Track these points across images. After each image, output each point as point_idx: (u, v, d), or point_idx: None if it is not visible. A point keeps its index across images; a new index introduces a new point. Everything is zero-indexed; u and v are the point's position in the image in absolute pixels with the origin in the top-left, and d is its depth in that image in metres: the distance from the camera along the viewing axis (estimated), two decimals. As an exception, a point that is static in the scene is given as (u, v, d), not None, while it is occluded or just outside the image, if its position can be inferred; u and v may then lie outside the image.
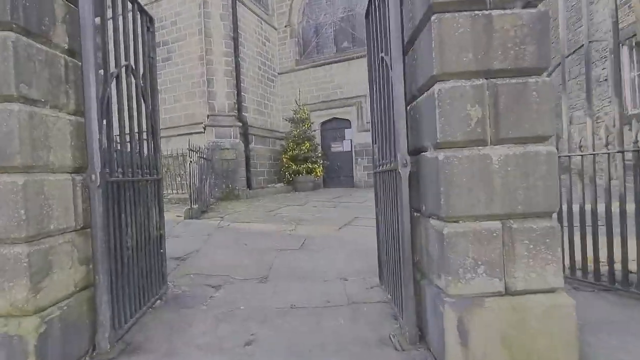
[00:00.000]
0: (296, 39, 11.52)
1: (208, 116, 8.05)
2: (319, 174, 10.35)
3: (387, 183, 2.15)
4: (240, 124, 8.45)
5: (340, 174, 11.09)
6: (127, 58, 2.22)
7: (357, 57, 10.55)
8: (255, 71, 10.36)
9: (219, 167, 7.87)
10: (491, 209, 1.50)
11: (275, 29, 11.65)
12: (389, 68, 1.93)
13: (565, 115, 2.48)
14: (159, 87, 8.62)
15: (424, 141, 1.73)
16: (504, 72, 1.52)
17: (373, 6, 2.37)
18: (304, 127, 10.30)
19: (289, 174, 10.12)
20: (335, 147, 11.15)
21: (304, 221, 5.22)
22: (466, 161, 1.51)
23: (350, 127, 10.86)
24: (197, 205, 5.78)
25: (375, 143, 2.65)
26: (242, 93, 9.44)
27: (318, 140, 11.08)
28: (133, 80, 2.31)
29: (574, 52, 7.70)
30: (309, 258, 3.46)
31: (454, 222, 1.53)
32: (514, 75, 1.52)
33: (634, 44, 6.42)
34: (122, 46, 2.15)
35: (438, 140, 1.52)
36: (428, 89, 1.65)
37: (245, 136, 9.26)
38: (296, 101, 10.82)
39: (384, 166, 2.20)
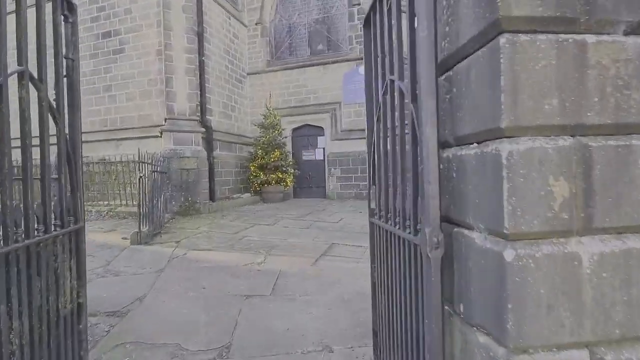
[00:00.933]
0: (267, 39, 10.78)
1: (166, 120, 7.12)
2: (289, 184, 9.71)
3: (396, 252, 1.61)
4: (204, 130, 7.59)
5: (312, 184, 10.52)
6: (20, 61, 1.48)
7: (333, 62, 10.04)
8: (221, 70, 9.50)
9: (178, 179, 6.98)
10: (578, 334, 1.00)
11: (245, 26, 10.83)
12: (412, 100, 1.39)
13: None
14: (108, 82, 7.57)
15: (468, 216, 1.20)
16: (599, 129, 1.02)
17: (379, 12, 1.81)
18: (274, 134, 9.60)
19: (256, 184, 9.36)
20: (307, 156, 10.57)
21: (275, 248, 4.58)
22: (546, 263, 0.99)
23: (323, 135, 10.32)
24: (147, 228, 4.92)
25: (375, 184, 2.10)
26: (206, 94, 8.55)
27: (289, 147, 10.42)
28: (34, 93, 1.57)
29: None
30: (283, 311, 2.84)
31: (523, 352, 1.00)
32: (612, 134, 1.03)
33: None
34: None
35: (507, 230, 0.98)
36: (482, 144, 1.12)
37: (208, 142, 8.39)
38: (266, 105, 10.09)
39: (392, 225, 1.65)
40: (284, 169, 9.45)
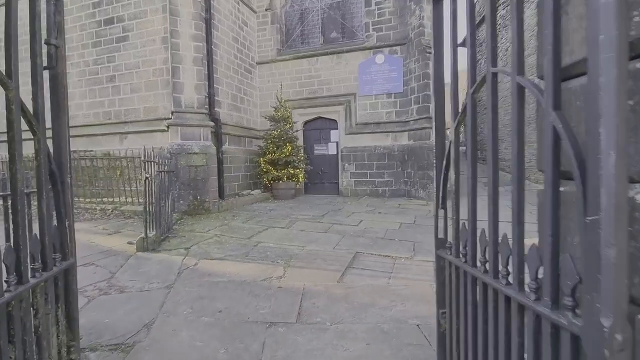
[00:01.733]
0: (278, 26, 10.19)
1: (173, 113, 6.66)
2: (300, 180, 9.25)
3: (504, 318, 1.15)
4: (212, 124, 7.12)
5: (324, 180, 10.06)
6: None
7: (348, 51, 9.45)
8: (230, 59, 8.98)
9: (186, 176, 6.56)
10: None
11: (255, 12, 10.24)
12: (555, 107, 0.92)
13: None
14: (111, 72, 7.10)
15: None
16: None
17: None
18: (285, 127, 9.11)
19: (267, 180, 8.93)
20: (320, 150, 10.08)
21: (294, 258, 4.16)
22: None
23: (336, 129, 9.81)
24: (154, 233, 4.52)
25: (446, 208, 1.65)
26: (214, 85, 8.07)
27: (301, 141, 9.94)
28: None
29: None
30: (313, 346, 2.42)
31: None
32: None
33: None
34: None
35: None
36: None
37: (217, 136, 7.94)
38: (277, 97, 9.58)
39: (498, 280, 1.20)
40: (296, 164, 8.98)
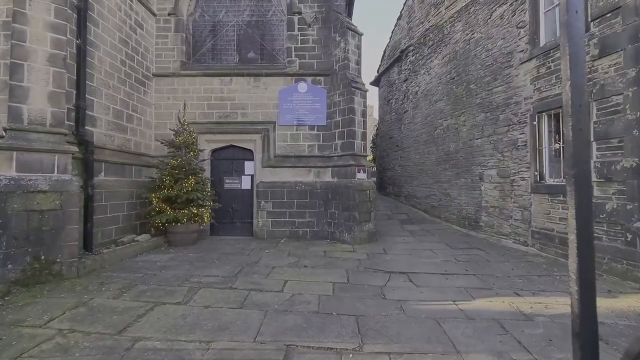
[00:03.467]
0: (184, 35, 8.60)
1: (6, 130, 4.40)
2: (206, 220, 7.52)
3: None
4: (75, 148, 5.02)
5: (235, 219, 8.51)
6: None
7: (268, 75, 8.43)
8: (115, 66, 6.96)
9: (21, 226, 4.30)
10: None
11: (154, 14, 8.46)
12: None
13: None
14: None
15: None
16: None
17: None
18: (188, 155, 7.38)
19: (160, 222, 6.94)
20: (231, 183, 8.56)
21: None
22: None
23: (252, 160, 8.50)
24: None
25: None
26: (86, 95, 5.98)
27: (208, 173, 8.27)
28: None
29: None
30: None
31: None
32: None
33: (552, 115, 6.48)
34: None
35: None
36: None
37: (87, 164, 5.78)
38: (179, 117, 7.82)
39: None
40: (201, 201, 7.26)
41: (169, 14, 8.51)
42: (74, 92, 5.75)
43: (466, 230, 8.85)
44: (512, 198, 7.36)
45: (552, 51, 6.34)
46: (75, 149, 4.90)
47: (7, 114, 4.40)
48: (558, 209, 6.24)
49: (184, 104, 8.19)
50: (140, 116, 7.85)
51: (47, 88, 4.65)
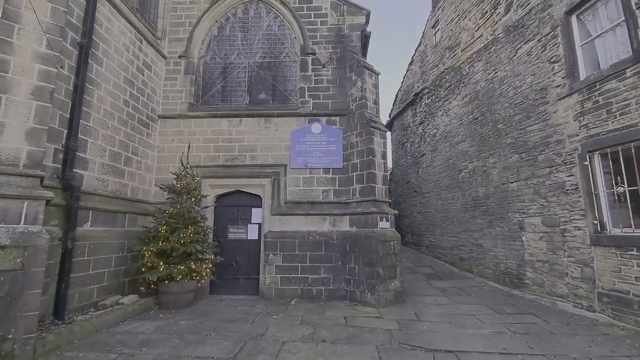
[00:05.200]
0: (193, 77, 8.29)
1: (-33, 172, 3.68)
2: (205, 276, 6.47)
3: None
4: (49, 194, 4.19)
5: (239, 274, 7.42)
6: None
7: (279, 115, 7.90)
8: (116, 105, 6.47)
9: (-35, 292, 3.37)
10: None
11: (165, 57, 8.24)
12: None
13: None
14: None
15: None
16: None
17: None
18: (189, 202, 6.57)
19: (151, 279, 5.92)
20: (236, 233, 7.61)
21: None
22: None
23: (260, 207, 7.64)
24: None
25: None
26: (79, 135, 5.37)
27: (210, 221, 7.39)
28: None
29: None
30: None
31: None
32: None
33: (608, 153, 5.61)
34: None
35: None
36: None
37: (69, 212, 4.97)
38: (181, 160, 7.16)
39: None
40: (201, 254, 6.28)
41: (179, 57, 8.29)
42: (65, 131, 5.15)
43: (508, 288, 7.55)
44: (565, 251, 6.22)
45: (598, 84, 5.66)
46: (50, 194, 4.11)
47: (-28, 152, 3.70)
48: (632, 266, 5.08)
49: (189, 146, 7.59)
50: (140, 159, 7.21)
51: (27, 124, 4.01)
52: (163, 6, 8.37)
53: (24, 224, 3.82)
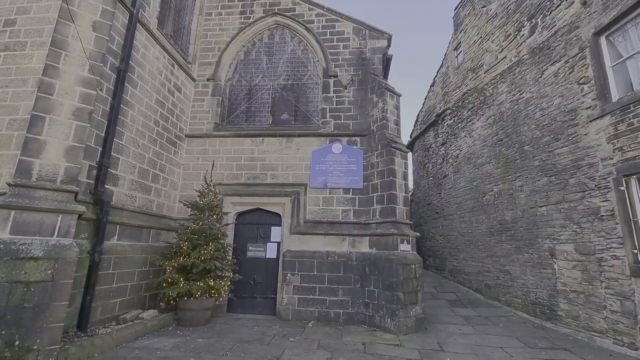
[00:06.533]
0: (220, 98, 8.65)
1: (10, 186, 3.94)
2: (223, 294, 6.47)
3: None
4: (82, 208, 4.40)
5: (257, 293, 7.38)
6: None
7: (300, 135, 8.05)
8: (147, 125, 6.82)
9: (1, 301, 3.53)
10: None
11: (194, 80, 8.68)
12: None
13: None
14: None
15: None
16: None
17: None
18: (210, 218, 6.70)
19: (171, 295, 5.99)
20: (255, 251, 7.64)
21: None
22: None
23: (279, 225, 7.67)
24: None
25: None
26: (112, 153, 5.66)
27: (230, 238, 7.47)
28: None
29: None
30: None
31: None
32: None
33: (643, 178, 5.29)
34: None
35: None
36: None
37: (98, 226, 5.18)
38: (205, 178, 7.37)
39: None
40: (220, 271, 6.33)
41: (207, 79, 8.71)
42: (99, 149, 5.45)
43: (539, 320, 7.07)
44: (602, 282, 5.80)
45: (632, 105, 5.43)
46: (82, 208, 4.32)
47: (16, 168, 3.97)
48: (680, 301, 4.65)
49: (213, 164, 7.82)
50: (167, 176, 7.49)
51: (66, 142, 4.29)
52: (195, 33, 8.90)
53: (56, 236, 4.01)
